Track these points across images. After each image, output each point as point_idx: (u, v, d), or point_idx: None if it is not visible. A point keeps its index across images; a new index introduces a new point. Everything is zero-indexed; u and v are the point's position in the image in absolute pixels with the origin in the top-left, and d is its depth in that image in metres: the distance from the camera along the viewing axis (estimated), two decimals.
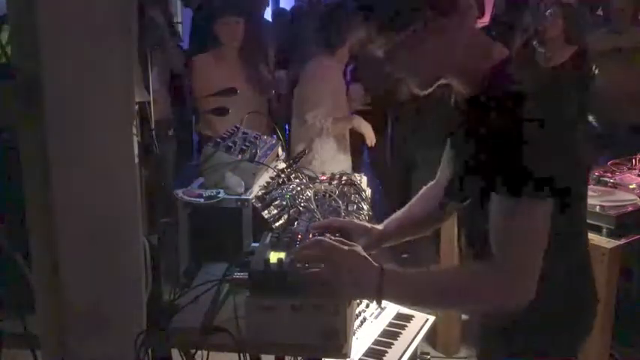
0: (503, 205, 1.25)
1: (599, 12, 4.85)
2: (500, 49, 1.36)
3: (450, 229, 3.12)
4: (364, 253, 1.34)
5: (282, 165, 2.21)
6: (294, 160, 2.27)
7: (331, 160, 3.73)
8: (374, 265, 1.30)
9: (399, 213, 1.75)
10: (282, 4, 7.80)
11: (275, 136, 2.71)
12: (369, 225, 1.69)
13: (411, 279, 1.35)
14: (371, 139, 3.84)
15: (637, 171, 3.17)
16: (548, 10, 3.87)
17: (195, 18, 5.19)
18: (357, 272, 1.29)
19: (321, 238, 1.38)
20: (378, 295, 1.28)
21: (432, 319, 2.22)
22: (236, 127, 2.27)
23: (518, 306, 1.26)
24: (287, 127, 4.25)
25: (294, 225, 1.77)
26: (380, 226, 1.71)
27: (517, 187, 1.22)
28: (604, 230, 2.54)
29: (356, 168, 3.94)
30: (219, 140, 2.07)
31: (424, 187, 1.76)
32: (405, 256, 3.87)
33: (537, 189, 1.22)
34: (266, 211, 1.80)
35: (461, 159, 1.43)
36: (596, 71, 3.93)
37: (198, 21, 5.08)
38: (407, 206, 1.76)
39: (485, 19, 5.24)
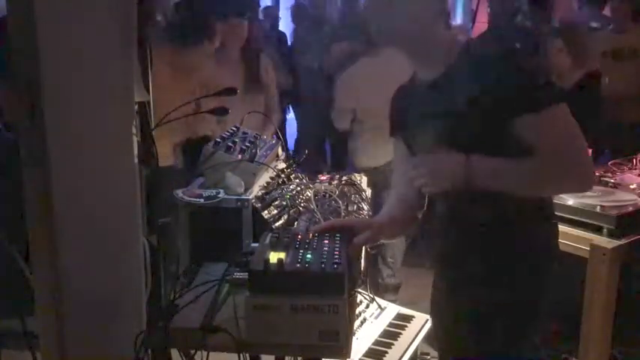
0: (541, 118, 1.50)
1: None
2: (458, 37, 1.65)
3: None
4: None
5: (282, 165, 2.20)
6: (296, 160, 2.27)
7: None
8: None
9: (387, 204, 1.80)
10: (282, 5, 7.77)
11: (275, 136, 2.71)
12: (369, 219, 1.71)
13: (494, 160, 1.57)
14: None
15: (637, 171, 3.16)
16: (552, 43, 3.79)
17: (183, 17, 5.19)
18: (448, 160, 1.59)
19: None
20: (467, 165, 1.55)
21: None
22: (236, 127, 2.27)
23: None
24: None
25: (294, 225, 1.77)
26: (378, 218, 1.73)
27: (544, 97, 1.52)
28: (605, 230, 2.53)
29: None
30: (219, 140, 2.07)
31: None
32: None
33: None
34: (266, 211, 1.80)
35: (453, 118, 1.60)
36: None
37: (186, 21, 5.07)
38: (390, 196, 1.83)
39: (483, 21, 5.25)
